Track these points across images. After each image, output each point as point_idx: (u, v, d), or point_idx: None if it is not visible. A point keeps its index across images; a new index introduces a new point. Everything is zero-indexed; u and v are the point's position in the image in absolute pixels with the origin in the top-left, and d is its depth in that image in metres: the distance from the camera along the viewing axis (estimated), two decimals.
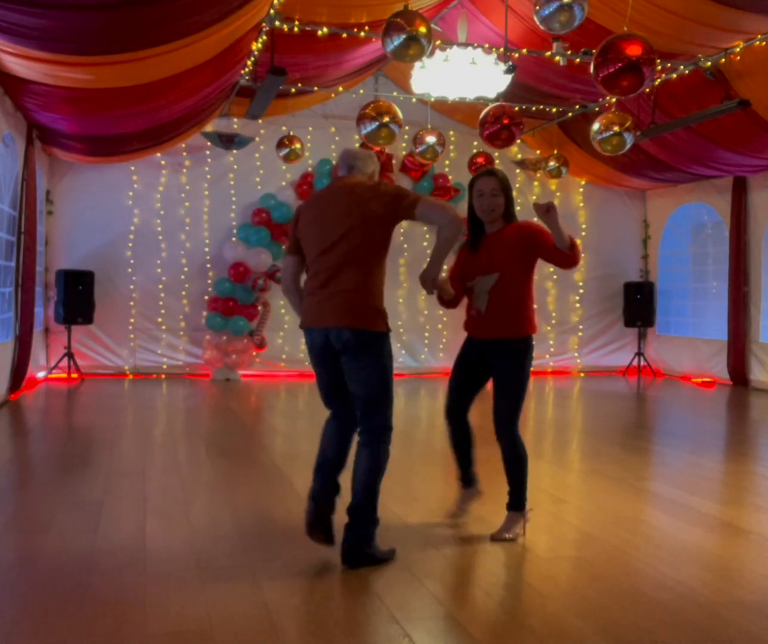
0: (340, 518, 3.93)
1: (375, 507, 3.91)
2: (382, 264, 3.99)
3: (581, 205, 13.42)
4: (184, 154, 11.83)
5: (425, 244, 12.70)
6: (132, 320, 11.77)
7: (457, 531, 4.45)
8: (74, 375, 11.10)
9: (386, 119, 9.09)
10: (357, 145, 11.59)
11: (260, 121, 11.44)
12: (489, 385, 4.72)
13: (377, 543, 3.91)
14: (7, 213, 9.17)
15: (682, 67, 8.73)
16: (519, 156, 12.87)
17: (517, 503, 4.44)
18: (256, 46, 8.51)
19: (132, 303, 11.76)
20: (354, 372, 3.91)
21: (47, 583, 3.59)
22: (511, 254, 4.36)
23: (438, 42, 7.79)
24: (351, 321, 3.85)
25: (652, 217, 13.60)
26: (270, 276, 11.72)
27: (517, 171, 13.05)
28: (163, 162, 11.77)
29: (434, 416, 9.32)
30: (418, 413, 9.40)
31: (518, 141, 9.74)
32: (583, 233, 13.43)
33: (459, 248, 4.63)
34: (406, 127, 10.23)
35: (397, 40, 6.80)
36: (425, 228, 12.69)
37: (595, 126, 8.89)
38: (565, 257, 4.31)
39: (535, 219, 4.32)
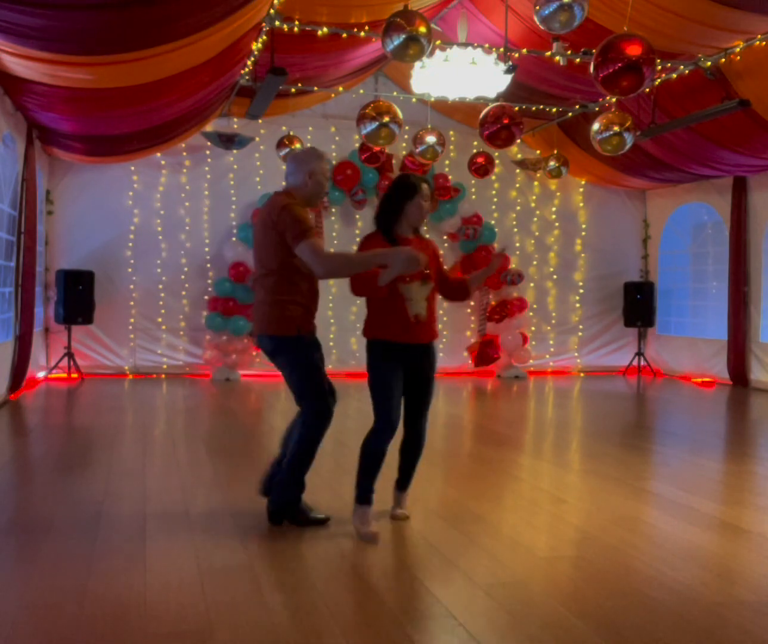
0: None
1: (295, 479, 4.43)
2: (289, 275, 4.32)
3: (581, 205, 13.42)
4: (184, 154, 11.83)
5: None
6: (132, 320, 11.77)
7: (457, 531, 4.44)
8: (74, 375, 11.10)
9: (386, 119, 9.10)
10: (357, 145, 11.61)
11: (260, 121, 11.44)
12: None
13: (304, 508, 4.49)
14: (7, 213, 9.17)
15: (682, 67, 8.73)
16: (519, 156, 12.87)
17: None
18: (256, 46, 8.51)
19: (132, 303, 11.77)
20: (280, 372, 4.49)
21: (47, 583, 3.59)
22: (434, 263, 4.61)
23: (438, 42, 7.79)
24: (265, 328, 4.40)
25: (652, 217, 13.60)
26: None
27: (517, 171, 13.06)
28: (163, 162, 11.77)
29: (434, 416, 9.31)
30: None
31: (518, 141, 9.73)
32: (583, 233, 13.44)
33: (369, 239, 4.48)
34: (406, 127, 10.24)
35: (397, 40, 6.80)
36: (425, 228, 12.71)
37: (595, 126, 8.89)
38: (459, 292, 4.90)
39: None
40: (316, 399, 4.39)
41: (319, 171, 4.48)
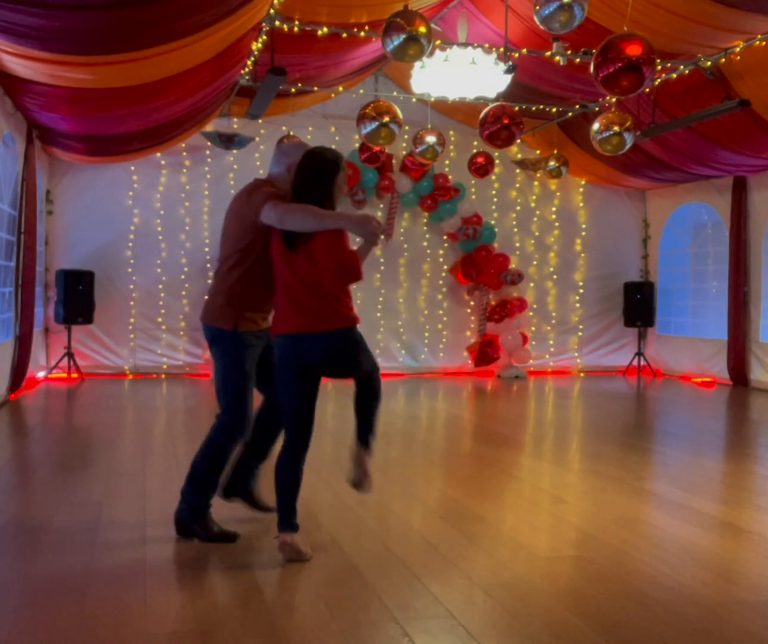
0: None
1: (197, 486, 4.19)
2: (243, 268, 4.14)
3: (581, 205, 13.42)
4: (184, 154, 11.83)
5: (425, 243, 12.71)
6: (132, 320, 11.77)
7: (457, 531, 4.44)
8: (74, 375, 11.10)
9: (386, 119, 9.10)
10: (357, 145, 11.61)
11: (260, 121, 11.44)
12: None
13: (209, 522, 4.20)
14: (7, 213, 9.17)
15: (682, 67, 8.73)
16: (519, 156, 12.87)
17: None
18: (256, 46, 8.51)
19: (132, 303, 11.76)
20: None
21: (47, 583, 3.59)
22: None
23: (438, 42, 7.79)
24: (203, 315, 4.30)
25: (652, 217, 13.60)
26: None
27: (517, 171, 13.06)
28: (163, 162, 11.77)
29: (434, 416, 9.32)
30: (418, 413, 9.40)
31: (518, 141, 9.73)
32: (583, 233, 13.44)
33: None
34: (406, 127, 10.24)
35: (397, 40, 6.80)
36: (425, 228, 12.72)
37: (595, 126, 8.89)
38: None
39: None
40: (231, 403, 4.17)
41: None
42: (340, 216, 3.96)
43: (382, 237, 4.09)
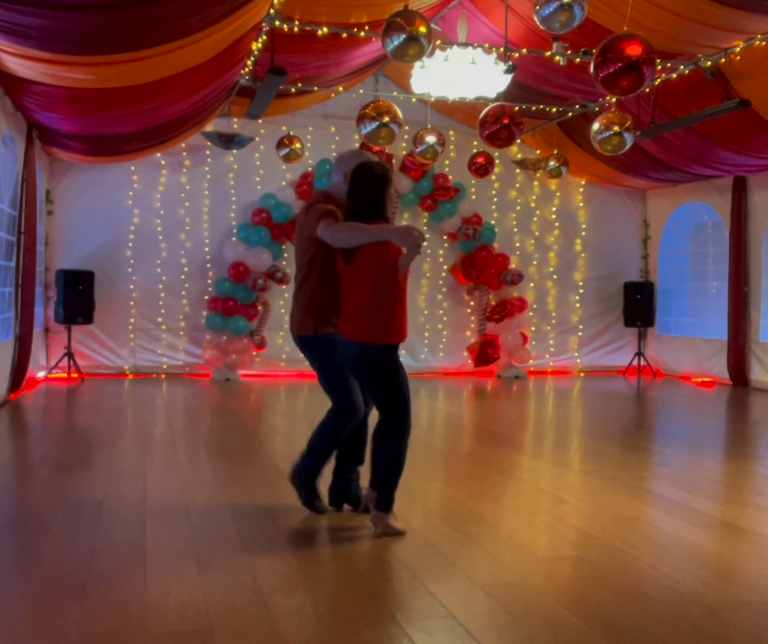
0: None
1: (311, 457, 4.66)
2: (314, 277, 4.52)
3: (581, 205, 13.42)
4: (184, 154, 11.83)
5: (425, 243, 12.67)
6: (132, 320, 11.77)
7: (457, 531, 4.44)
8: (74, 375, 11.11)
9: (386, 119, 9.09)
10: (357, 145, 11.61)
11: (260, 121, 11.44)
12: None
13: (315, 493, 4.67)
14: (7, 213, 9.17)
15: (682, 67, 8.73)
16: (519, 156, 12.87)
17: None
18: (256, 46, 8.51)
19: (132, 303, 11.77)
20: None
21: (47, 583, 3.59)
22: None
23: (438, 42, 7.79)
24: (291, 327, 4.71)
25: (652, 217, 13.60)
26: (270, 276, 11.72)
27: (517, 171, 13.06)
28: (163, 162, 11.77)
29: (434, 416, 9.32)
30: (418, 413, 9.39)
31: (518, 141, 9.73)
32: (583, 233, 13.44)
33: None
34: (406, 127, 10.24)
35: (397, 40, 6.79)
36: (425, 228, 12.70)
37: (595, 126, 8.89)
38: None
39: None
40: (339, 396, 4.58)
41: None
42: (384, 229, 4.23)
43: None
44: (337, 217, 4.35)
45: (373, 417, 4.66)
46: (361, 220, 4.24)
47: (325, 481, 4.78)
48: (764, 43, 7.89)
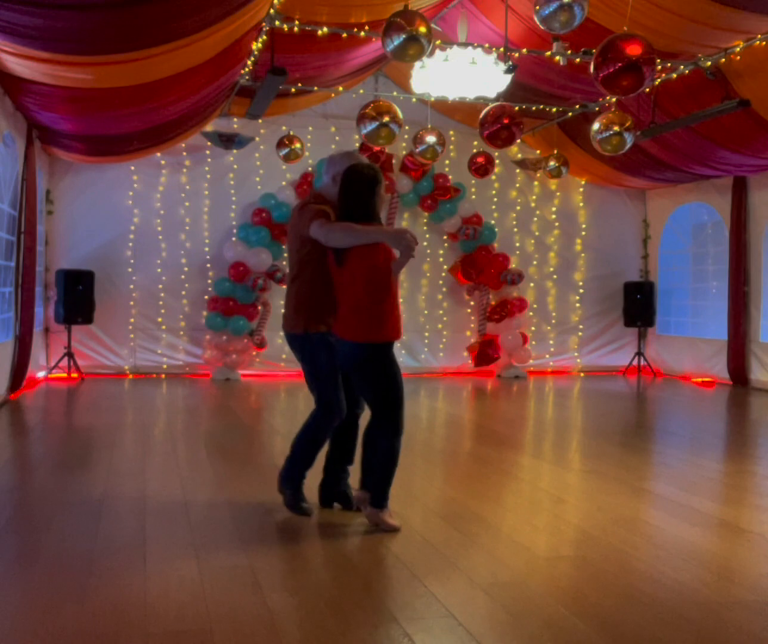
0: None
1: (294, 460, 4.67)
2: (304, 276, 4.57)
3: (581, 205, 13.42)
4: (184, 154, 11.83)
5: (425, 243, 12.71)
6: (132, 320, 11.77)
7: (457, 531, 4.44)
8: (74, 375, 11.11)
9: (386, 119, 9.09)
10: (357, 145, 11.63)
11: (260, 120, 11.45)
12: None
13: (299, 495, 4.66)
14: (7, 213, 9.17)
15: (682, 67, 8.73)
16: (519, 156, 12.87)
17: None
18: (256, 46, 8.51)
19: (132, 303, 11.77)
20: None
21: (47, 583, 3.59)
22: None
23: (438, 42, 7.79)
24: (283, 325, 4.74)
25: (652, 217, 13.60)
26: (270, 276, 11.72)
27: (517, 171, 13.07)
28: (163, 162, 11.77)
29: (434, 416, 9.32)
30: (418, 413, 9.40)
31: (518, 141, 9.73)
32: (583, 233, 13.44)
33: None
34: (406, 127, 10.24)
35: (397, 40, 6.79)
36: (425, 228, 12.72)
37: (595, 126, 8.89)
38: None
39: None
40: (324, 394, 4.59)
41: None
42: (378, 231, 4.30)
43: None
44: (330, 217, 4.39)
45: (364, 418, 4.67)
46: (352, 221, 4.28)
47: (312, 481, 4.79)
48: (764, 43, 7.89)
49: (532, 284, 13.17)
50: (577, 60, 8.32)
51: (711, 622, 3.26)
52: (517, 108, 9.69)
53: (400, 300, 12.60)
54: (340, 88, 11.05)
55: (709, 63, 8.52)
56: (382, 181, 4.42)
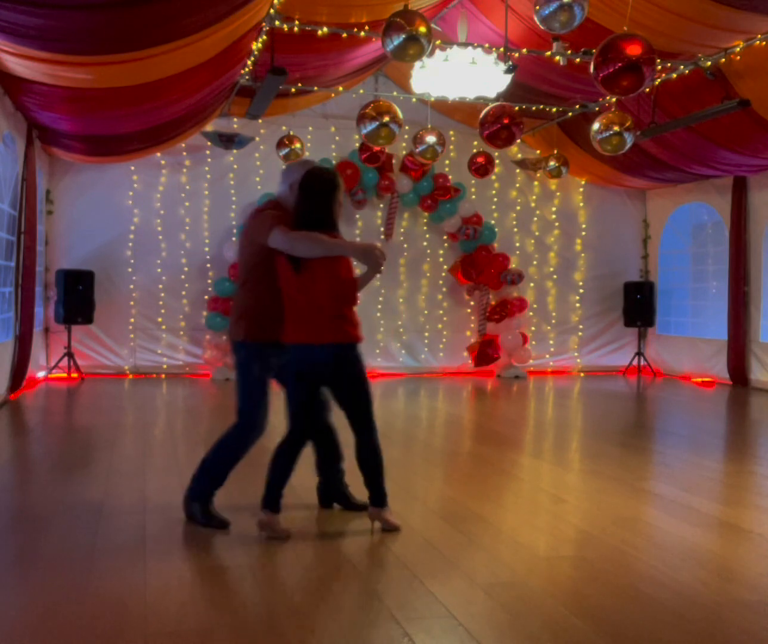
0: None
1: (205, 474, 4.53)
2: (253, 283, 4.46)
3: (581, 205, 13.42)
4: (184, 154, 11.83)
5: (425, 243, 12.71)
6: (132, 320, 11.77)
7: (457, 531, 4.45)
8: (74, 375, 11.10)
9: (386, 119, 9.09)
10: (357, 144, 11.63)
11: (260, 121, 11.44)
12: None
13: (210, 509, 4.47)
14: (7, 213, 9.16)
15: (682, 67, 8.73)
16: (519, 156, 12.87)
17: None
18: (256, 46, 8.51)
19: (132, 303, 11.77)
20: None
21: (47, 583, 3.59)
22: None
23: (438, 42, 7.79)
24: (228, 332, 4.71)
25: (652, 217, 13.60)
26: None
27: (517, 171, 13.06)
28: (163, 162, 11.77)
29: (434, 416, 9.32)
30: (418, 413, 9.40)
31: (518, 141, 9.73)
32: (583, 233, 13.44)
33: None
34: (406, 127, 10.24)
35: (397, 39, 6.79)
36: (425, 228, 12.72)
37: (595, 126, 8.89)
38: None
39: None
40: (245, 406, 4.52)
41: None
42: (346, 245, 4.27)
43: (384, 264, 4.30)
44: (287, 224, 4.28)
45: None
46: (310, 227, 4.19)
47: (310, 481, 4.78)
48: (764, 43, 7.89)
49: (532, 284, 13.17)
50: (577, 60, 8.32)
51: (711, 622, 3.26)
52: (517, 108, 9.68)
53: (400, 300, 12.77)
54: (340, 88, 11.05)
55: (709, 63, 8.52)
56: (341, 186, 4.33)
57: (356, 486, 4.65)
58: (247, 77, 9.48)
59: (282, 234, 4.19)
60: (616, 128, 8.74)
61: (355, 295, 4.20)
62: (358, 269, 4.27)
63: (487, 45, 8.32)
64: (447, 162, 12.49)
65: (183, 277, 11.91)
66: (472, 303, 12.89)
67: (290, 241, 4.17)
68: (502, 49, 8.00)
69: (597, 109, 10.50)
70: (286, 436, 4.38)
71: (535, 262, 13.21)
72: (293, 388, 4.37)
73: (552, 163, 12.04)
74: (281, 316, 4.33)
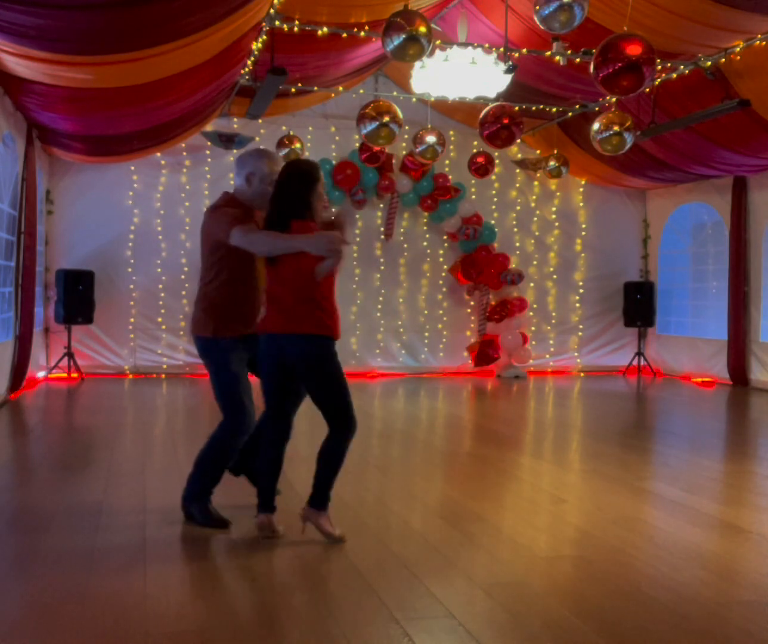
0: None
1: (199, 475, 4.48)
2: (218, 279, 4.39)
3: (581, 205, 13.42)
4: (184, 154, 11.83)
5: (425, 243, 12.71)
6: (132, 320, 11.77)
7: (457, 531, 4.44)
8: (74, 375, 11.10)
9: (386, 119, 9.10)
10: (357, 144, 11.63)
11: (260, 121, 11.44)
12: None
13: (209, 508, 4.44)
14: (7, 213, 9.16)
15: (682, 67, 8.73)
16: (519, 156, 12.87)
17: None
18: (256, 45, 8.51)
19: (132, 303, 11.77)
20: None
21: (47, 583, 3.59)
22: None
23: (438, 42, 7.79)
24: (190, 328, 4.67)
25: (652, 217, 13.60)
26: None
27: (517, 171, 13.06)
28: (163, 162, 11.77)
29: (434, 416, 9.32)
30: (418, 413, 9.40)
31: (518, 141, 9.73)
32: (583, 233, 13.44)
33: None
34: (406, 127, 10.24)
35: (397, 39, 6.80)
36: (425, 228, 12.72)
37: (595, 126, 8.89)
38: None
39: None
40: (228, 405, 4.41)
41: (259, 171, 4.42)
42: (300, 240, 4.05)
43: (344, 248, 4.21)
44: (245, 221, 4.20)
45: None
46: (288, 218, 4.11)
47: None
48: (764, 43, 7.89)
49: (532, 284, 13.17)
50: (577, 60, 8.32)
51: (711, 622, 3.26)
52: (517, 108, 9.69)
53: (400, 300, 12.74)
54: (340, 88, 11.05)
55: (709, 63, 8.52)
56: (321, 178, 4.21)
57: (307, 476, 4.43)
58: (247, 77, 9.48)
59: (241, 233, 4.12)
60: (616, 128, 8.75)
61: (330, 287, 4.09)
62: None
63: (487, 45, 8.32)
64: (447, 162, 12.49)
65: (183, 277, 11.90)
66: (472, 303, 12.89)
67: (249, 241, 4.13)
68: (502, 49, 8.00)
69: (597, 109, 10.50)
70: (265, 432, 4.29)
71: (535, 262, 13.21)
72: (267, 379, 4.24)
73: (552, 163, 12.04)
74: (251, 309, 4.33)
